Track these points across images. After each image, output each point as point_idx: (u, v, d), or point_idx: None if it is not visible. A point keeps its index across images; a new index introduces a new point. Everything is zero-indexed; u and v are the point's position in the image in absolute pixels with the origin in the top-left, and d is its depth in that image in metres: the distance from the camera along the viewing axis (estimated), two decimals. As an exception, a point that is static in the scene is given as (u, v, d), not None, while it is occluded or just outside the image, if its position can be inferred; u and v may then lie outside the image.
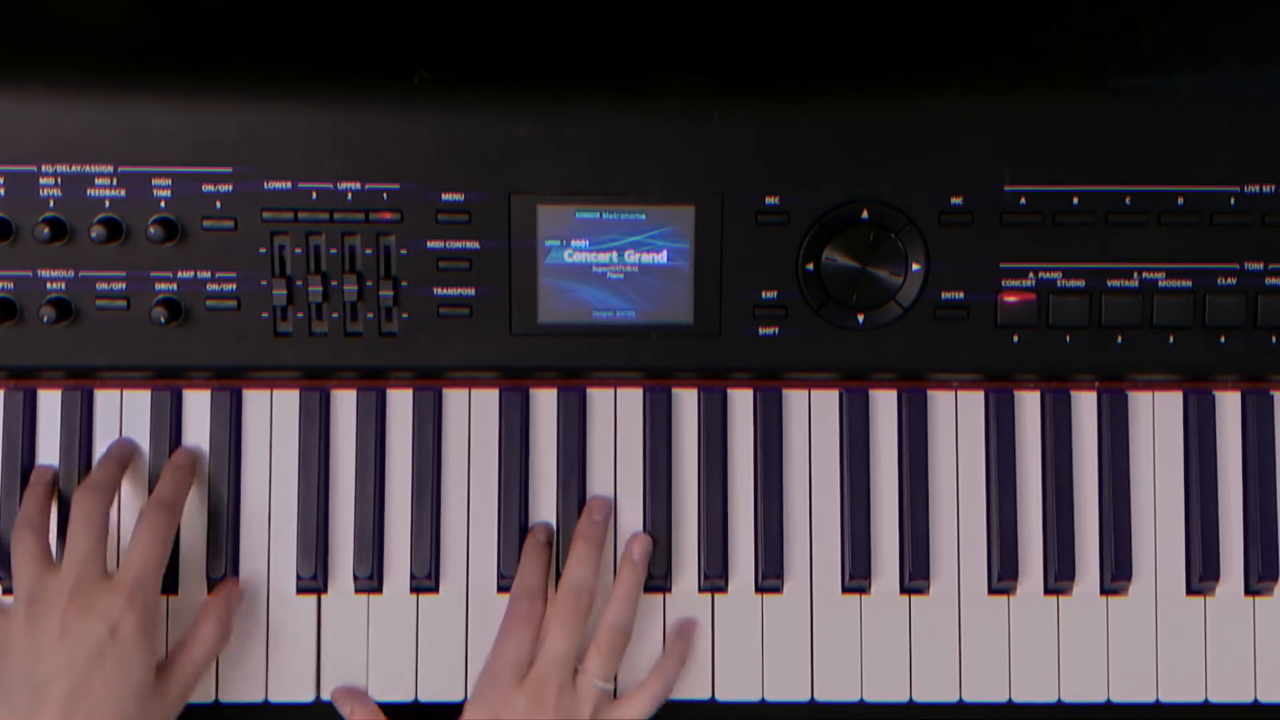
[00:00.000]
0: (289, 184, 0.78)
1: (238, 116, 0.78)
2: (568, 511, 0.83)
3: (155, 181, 0.78)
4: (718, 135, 0.79)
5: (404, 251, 0.79)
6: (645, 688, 0.81)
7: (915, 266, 0.80)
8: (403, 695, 0.83)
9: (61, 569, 0.76)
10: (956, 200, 0.80)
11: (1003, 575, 0.83)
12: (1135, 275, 0.80)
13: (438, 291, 0.80)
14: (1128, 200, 0.80)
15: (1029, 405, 0.85)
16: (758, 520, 0.84)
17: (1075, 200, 0.80)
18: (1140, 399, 0.85)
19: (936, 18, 0.82)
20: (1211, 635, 0.84)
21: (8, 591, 0.80)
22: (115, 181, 0.78)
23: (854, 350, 0.81)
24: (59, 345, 0.80)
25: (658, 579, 0.83)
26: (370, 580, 0.82)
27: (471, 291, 0.80)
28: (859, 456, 0.84)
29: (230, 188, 0.78)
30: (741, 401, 0.84)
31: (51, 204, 0.78)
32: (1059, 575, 0.83)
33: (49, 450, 0.83)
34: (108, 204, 0.78)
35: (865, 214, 0.80)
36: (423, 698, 0.82)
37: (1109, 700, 0.83)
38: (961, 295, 0.80)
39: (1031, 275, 0.80)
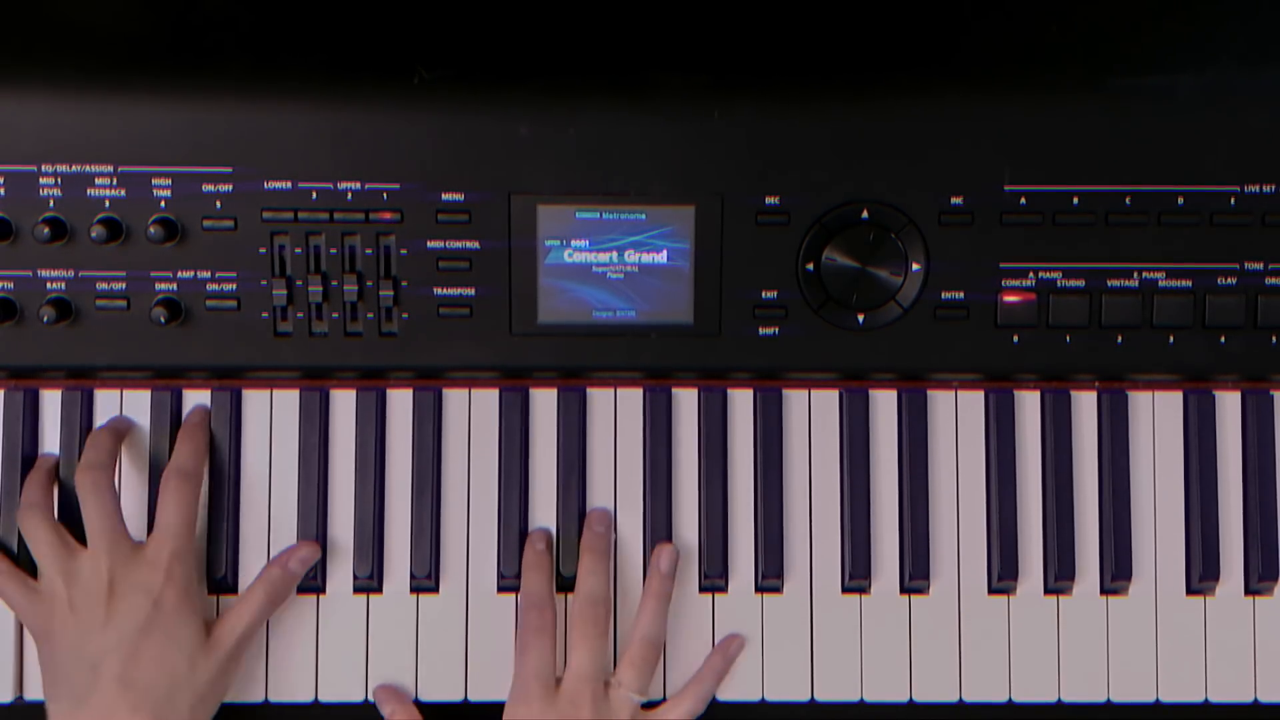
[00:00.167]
0: (289, 184, 0.78)
1: (238, 116, 0.78)
2: (567, 512, 0.83)
3: (155, 181, 0.78)
4: (718, 135, 0.79)
5: (404, 251, 0.79)
6: (682, 700, 0.81)
7: (915, 266, 0.80)
8: (403, 695, 0.83)
9: (90, 550, 0.77)
10: (956, 200, 0.80)
11: (1003, 575, 0.83)
12: (1135, 275, 0.80)
13: (438, 291, 0.80)
14: (1128, 200, 0.80)
15: (1029, 405, 0.85)
16: (758, 520, 0.84)
17: (1075, 200, 0.80)
18: (1140, 399, 0.85)
19: (937, 18, 0.82)
20: (1211, 635, 0.84)
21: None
22: (115, 181, 0.78)
23: (854, 350, 0.81)
24: (59, 345, 0.80)
25: (658, 579, 0.83)
26: (370, 580, 0.82)
27: (471, 291, 0.80)
28: (859, 456, 0.84)
29: (230, 188, 0.78)
30: (741, 401, 0.84)
31: (51, 204, 0.78)
32: (1059, 575, 0.83)
33: (49, 450, 0.83)
34: (108, 204, 0.78)
35: (865, 214, 0.80)
36: (423, 697, 0.82)
37: (1109, 700, 0.83)
38: (961, 295, 0.80)
39: (1031, 275, 0.80)
